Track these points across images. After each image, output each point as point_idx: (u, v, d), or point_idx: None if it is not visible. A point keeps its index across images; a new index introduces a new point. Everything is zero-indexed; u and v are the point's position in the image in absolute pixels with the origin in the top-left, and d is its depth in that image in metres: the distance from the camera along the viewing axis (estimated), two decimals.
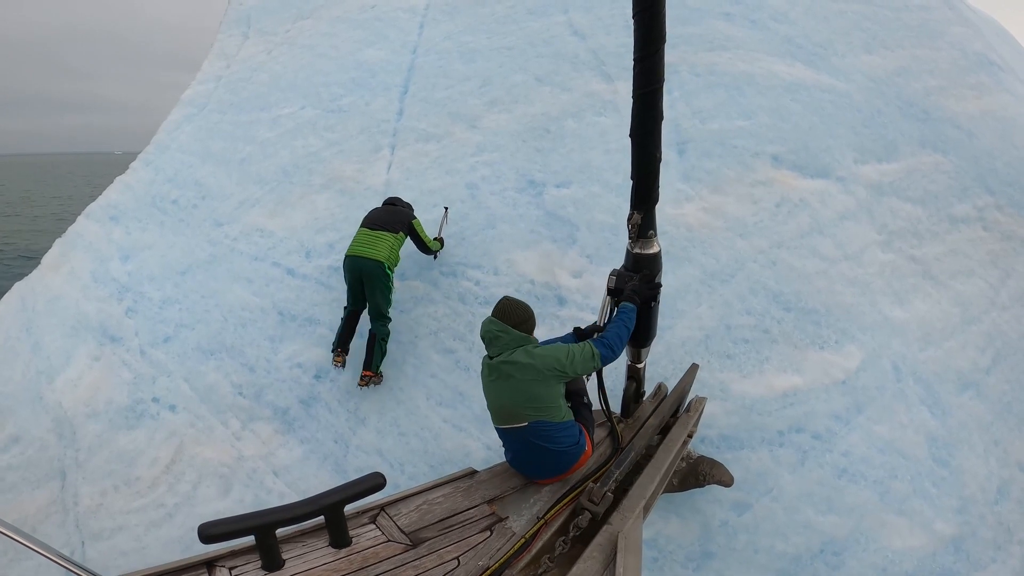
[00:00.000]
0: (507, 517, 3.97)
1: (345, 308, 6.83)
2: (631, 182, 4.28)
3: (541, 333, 6.29)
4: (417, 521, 3.91)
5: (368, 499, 3.79)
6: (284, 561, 3.43)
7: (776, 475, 5.59)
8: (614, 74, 8.07)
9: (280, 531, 3.39)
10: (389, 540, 3.70)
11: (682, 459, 5.35)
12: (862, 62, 8.23)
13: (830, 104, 7.63)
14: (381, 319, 6.66)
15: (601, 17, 8.75)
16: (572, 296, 6.46)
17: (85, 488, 6.40)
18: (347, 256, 6.64)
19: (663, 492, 5.13)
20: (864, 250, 6.74)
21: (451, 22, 9.69)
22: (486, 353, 4.35)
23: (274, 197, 8.44)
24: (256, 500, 6.19)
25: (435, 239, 7.16)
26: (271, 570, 3.37)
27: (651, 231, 4.46)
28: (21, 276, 9.23)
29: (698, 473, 5.32)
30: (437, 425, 6.33)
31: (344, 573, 3.41)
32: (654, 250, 4.53)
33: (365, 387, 6.65)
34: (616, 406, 5.28)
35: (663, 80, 3.89)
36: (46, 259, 9.16)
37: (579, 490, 4.28)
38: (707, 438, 5.76)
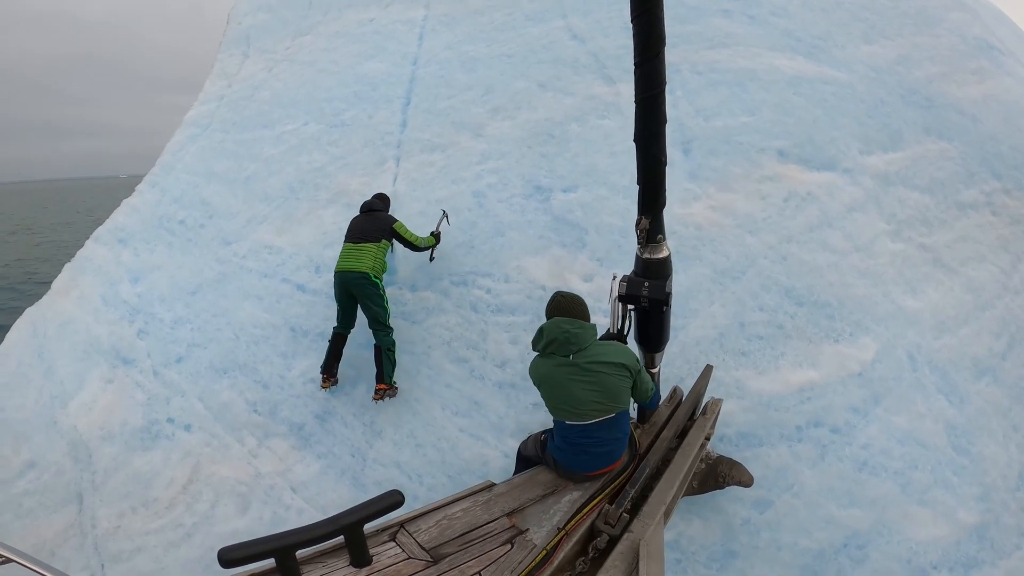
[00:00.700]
0: (527, 529, 3.93)
1: (333, 329, 6.83)
2: (638, 187, 4.26)
3: None
4: (437, 537, 3.86)
5: (387, 516, 3.77)
6: None
7: (796, 471, 5.56)
8: (615, 76, 8.05)
9: (299, 552, 3.37)
10: (410, 557, 3.67)
11: (701, 460, 5.32)
12: (862, 52, 8.19)
13: (833, 96, 7.59)
14: (382, 329, 6.62)
15: (599, 20, 8.74)
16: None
17: (103, 511, 6.40)
18: (335, 273, 6.67)
19: (683, 495, 5.11)
20: (874, 241, 6.71)
21: (450, 32, 9.69)
22: (548, 352, 4.38)
23: (281, 214, 8.44)
24: (275, 517, 6.18)
25: (431, 234, 7.13)
26: None
27: (660, 235, 4.43)
28: (27, 303, 9.26)
29: (717, 474, 5.29)
30: (454, 435, 6.31)
31: None
32: (664, 254, 4.50)
33: (381, 400, 6.62)
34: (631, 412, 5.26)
35: (665, 84, 3.86)
36: (56, 284, 9.17)
37: (599, 499, 4.26)
38: (725, 436, 5.73)
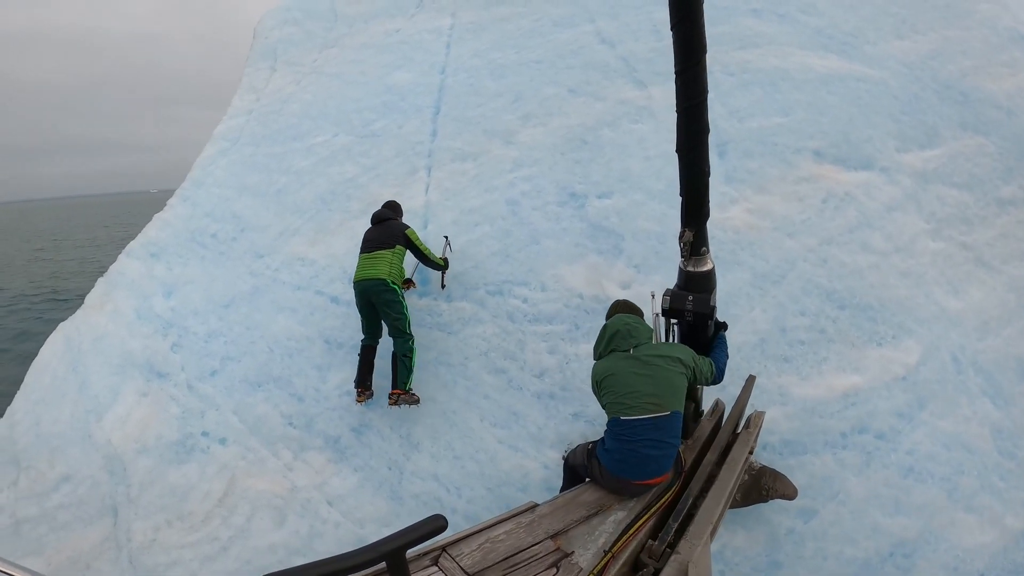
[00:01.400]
0: (572, 552, 3.86)
1: (361, 342, 6.84)
2: (680, 198, 4.20)
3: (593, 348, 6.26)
4: (480, 561, 3.78)
5: (429, 540, 3.72)
6: None
7: (841, 479, 5.50)
8: (646, 80, 7.98)
9: None
10: None
11: (744, 472, 5.25)
12: (894, 48, 8.07)
13: (867, 93, 7.49)
14: (401, 336, 6.60)
15: (628, 24, 8.66)
16: None
17: (138, 524, 6.42)
18: (353, 283, 6.68)
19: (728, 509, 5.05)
20: (914, 240, 6.62)
21: (477, 40, 9.65)
22: (609, 350, 4.56)
23: (313, 225, 8.44)
24: (311, 530, 6.18)
25: (440, 258, 7.13)
26: None
27: (704, 248, 4.37)
28: (59, 318, 9.31)
29: (761, 487, 5.22)
30: (492, 447, 6.26)
31: None
32: (708, 267, 4.45)
33: (396, 406, 6.58)
34: None
35: (707, 92, 3.78)
36: (89, 298, 9.22)
37: (644, 518, 4.19)
38: (769, 444, 5.67)
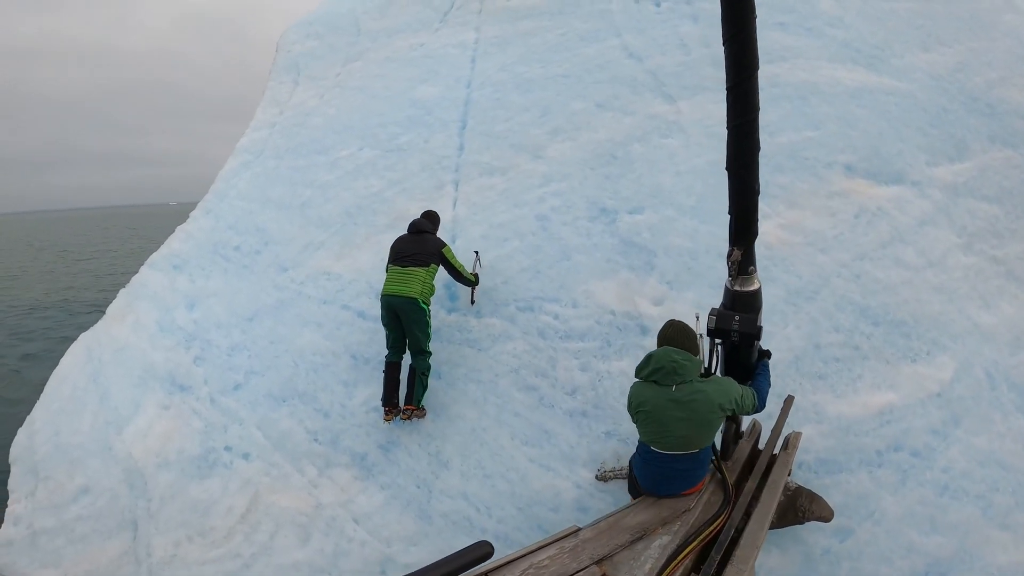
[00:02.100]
0: None
1: (386, 358, 6.79)
2: (729, 216, 4.17)
3: (626, 365, 6.18)
4: None
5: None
6: None
7: (877, 497, 5.47)
8: (675, 94, 7.97)
9: None
10: None
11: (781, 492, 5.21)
12: (921, 60, 8.08)
13: (895, 107, 7.50)
14: (421, 354, 6.62)
15: (655, 38, 8.65)
16: (655, 325, 6.16)
17: (158, 539, 6.39)
18: (382, 296, 6.63)
19: None
20: (946, 255, 6.61)
21: (503, 54, 9.62)
22: (651, 379, 4.41)
23: (339, 239, 8.40)
24: (336, 549, 6.12)
25: (471, 274, 7.09)
26: None
27: (751, 267, 4.33)
28: (79, 328, 9.28)
29: (797, 508, 5.15)
30: (523, 465, 6.19)
31: None
32: (755, 287, 4.42)
33: (408, 420, 6.60)
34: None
35: (758, 108, 3.75)
36: (111, 309, 9.22)
37: (692, 546, 4.13)
38: (804, 463, 5.63)
